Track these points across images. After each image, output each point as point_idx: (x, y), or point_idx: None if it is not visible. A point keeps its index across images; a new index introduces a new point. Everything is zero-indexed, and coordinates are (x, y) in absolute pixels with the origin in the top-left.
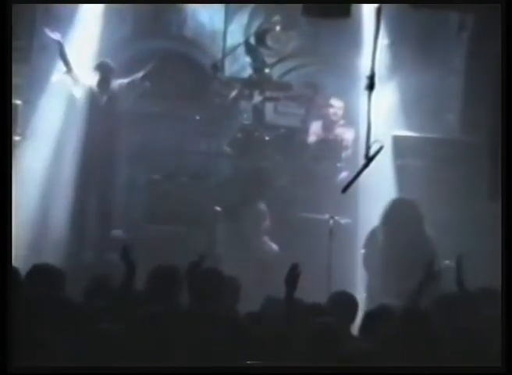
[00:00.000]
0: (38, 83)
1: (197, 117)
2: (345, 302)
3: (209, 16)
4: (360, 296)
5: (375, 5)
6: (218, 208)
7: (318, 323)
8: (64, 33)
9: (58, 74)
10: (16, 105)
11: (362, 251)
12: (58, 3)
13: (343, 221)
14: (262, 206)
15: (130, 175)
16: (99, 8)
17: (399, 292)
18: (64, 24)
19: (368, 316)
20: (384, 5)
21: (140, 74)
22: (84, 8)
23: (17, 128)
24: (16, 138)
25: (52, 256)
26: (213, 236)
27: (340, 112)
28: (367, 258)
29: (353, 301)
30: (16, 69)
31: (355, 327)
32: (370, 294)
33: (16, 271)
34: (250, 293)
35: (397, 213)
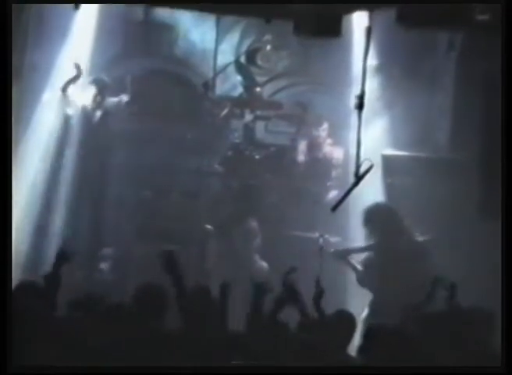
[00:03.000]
0: (30, 100)
1: (188, 136)
2: (344, 321)
3: (200, 35)
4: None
5: (365, 25)
6: (208, 226)
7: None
8: (55, 50)
9: (50, 92)
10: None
11: (358, 269)
12: (58, 3)
13: (332, 239)
14: (253, 224)
15: (121, 192)
16: (91, 26)
17: (400, 308)
18: (55, 42)
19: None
20: (374, 25)
21: (125, 99)
22: (75, 26)
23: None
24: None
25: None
26: (204, 254)
27: (328, 132)
28: (366, 277)
29: (353, 320)
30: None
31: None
32: (371, 311)
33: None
34: (240, 311)
35: (377, 217)
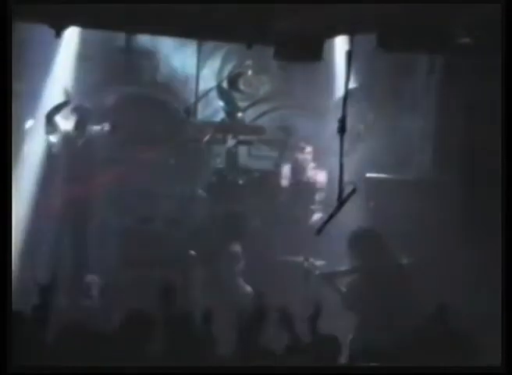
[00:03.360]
0: (13, 128)
1: (171, 161)
2: (329, 345)
3: (182, 61)
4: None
5: (346, 49)
6: (192, 252)
7: None
8: (37, 78)
9: (32, 119)
10: None
11: (343, 291)
12: (58, 3)
13: (317, 263)
14: (237, 248)
15: (105, 219)
16: (72, 54)
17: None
18: (36, 69)
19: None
20: (355, 49)
21: (107, 126)
22: (57, 53)
23: None
24: None
25: (26, 301)
26: (188, 279)
27: (311, 156)
28: (350, 300)
29: (338, 344)
30: None
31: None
32: (357, 334)
33: None
34: (224, 336)
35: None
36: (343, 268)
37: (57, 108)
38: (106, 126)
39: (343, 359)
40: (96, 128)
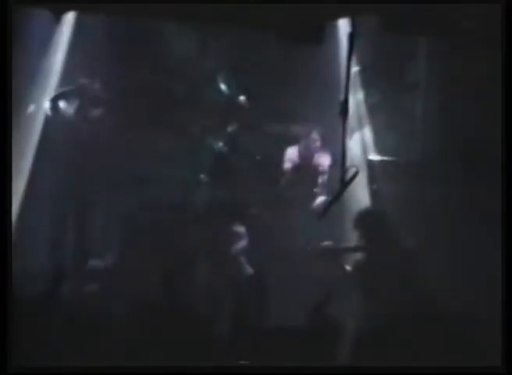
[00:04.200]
0: (15, 112)
1: (174, 146)
2: (330, 327)
3: (186, 47)
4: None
5: (348, 32)
6: (196, 235)
7: None
8: (39, 62)
9: (35, 103)
10: None
11: (347, 270)
12: (58, 3)
13: (321, 244)
14: (239, 229)
15: (108, 204)
16: (74, 40)
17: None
18: (39, 54)
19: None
20: (357, 31)
21: (110, 110)
22: (61, 39)
23: None
24: None
25: (30, 286)
26: (192, 260)
27: (316, 138)
28: (353, 280)
29: (339, 326)
30: None
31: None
32: (360, 316)
33: None
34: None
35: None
36: (347, 245)
37: (62, 95)
38: (110, 109)
39: (342, 341)
40: (99, 111)
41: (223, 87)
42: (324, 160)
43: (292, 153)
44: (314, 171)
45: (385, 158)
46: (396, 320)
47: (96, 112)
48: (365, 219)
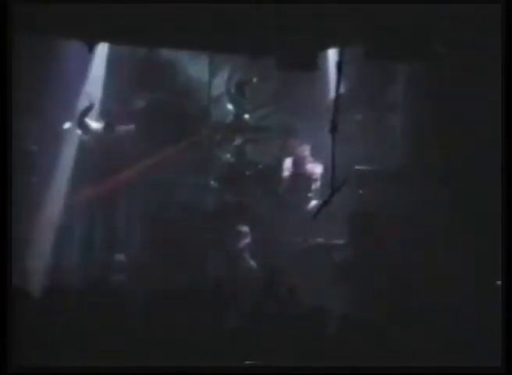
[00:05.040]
0: (52, 130)
1: (188, 156)
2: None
3: (196, 72)
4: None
5: (336, 60)
6: (205, 233)
7: None
8: (70, 86)
9: (69, 122)
10: (32, 151)
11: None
12: (59, 3)
13: (316, 241)
14: (244, 228)
15: (130, 205)
16: (102, 65)
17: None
18: (70, 79)
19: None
20: (344, 59)
21: (132, 127)
22: (89, 65)
23: (35, 170)
24: (33, 179)
25: (63, 277)
26: (201, 256)
27: (306, 150)
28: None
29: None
30: (30, 118)
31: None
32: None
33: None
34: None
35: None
36: (338, 242)
37: (83, 113)
38: (132, 126)
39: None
40: (122, 128)
41: (230, 106)
42: (316, 169)
43: (288, 163)
44: (308, 179)
45: (369, 167)
46: (396, 320)
47: (121, 129)
48: (353, 220)
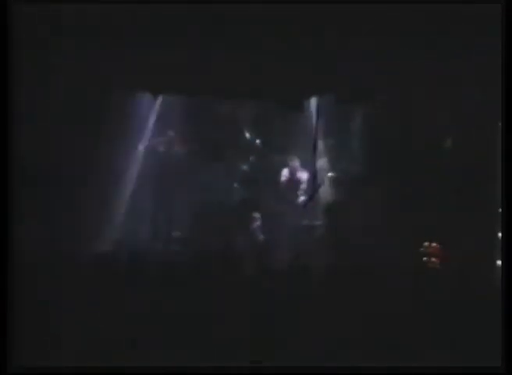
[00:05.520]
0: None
1: (222, 167)
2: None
3: (225, 111)
4: None
5: (316, 105)
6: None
7: None
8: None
9: (142, 144)
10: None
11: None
12: (59, 3)
13: (303, 222)
14: (256, 214)
15: (182, 203)
16: (156, 110)
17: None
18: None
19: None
20: (323, 104)
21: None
22: (152, 111)
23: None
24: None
25: (134, 245)
26: (225, 233)
27: (297, 163)
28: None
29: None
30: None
31: None
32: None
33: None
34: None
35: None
36: (317, 223)
37: (158, 140)
38: (182, 148)
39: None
40: (177, 148)
41: (248, 135)
42: (305, 176)
43: (285, 171)
44: (298, 182)
45: (338, 174)
46: (395, 320)
47: (176, 148)
48: (328, 208)
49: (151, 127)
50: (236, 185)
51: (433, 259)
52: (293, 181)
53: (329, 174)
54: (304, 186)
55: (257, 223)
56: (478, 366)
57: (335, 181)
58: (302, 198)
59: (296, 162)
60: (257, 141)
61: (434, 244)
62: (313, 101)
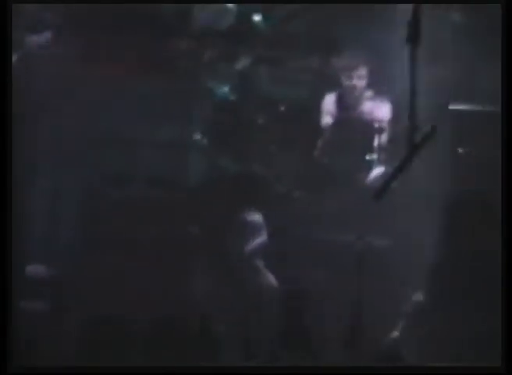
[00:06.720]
0: None
1: (155, 92)
2: None
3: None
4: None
5: None
6: (191, 226)
7: None
8: None
9: None
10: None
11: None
12: (59, 3)
13: (377, 242)
14: (255, 217)
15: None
16: None
17: None
18: None
19: None
20: None
21: None
22: None
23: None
24: None
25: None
26: (185, 266)
27: (364, 81)
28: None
29: None
30: None
31: None
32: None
33: None
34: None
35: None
36: None
37: None
38: None
39: None
40: None
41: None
42: (380, 112)
43: (332, 102)
44: (366, 129)
45: (470, 107)
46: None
47: None
48: (460, 208)
49: None
50: (198, 138)
51: None
52: (351, 126)
53: (452, 108)
54: (380, 139)
55: (257, 238)
56: (478, 366)
57: (467, 124)
58: (374, 174)
59: (358, 73)
60: (257, 19)
61: None
62: None
